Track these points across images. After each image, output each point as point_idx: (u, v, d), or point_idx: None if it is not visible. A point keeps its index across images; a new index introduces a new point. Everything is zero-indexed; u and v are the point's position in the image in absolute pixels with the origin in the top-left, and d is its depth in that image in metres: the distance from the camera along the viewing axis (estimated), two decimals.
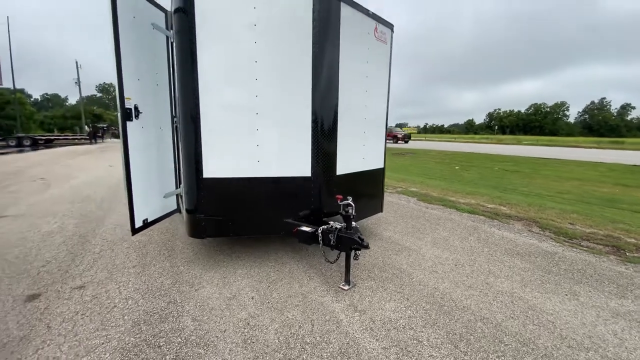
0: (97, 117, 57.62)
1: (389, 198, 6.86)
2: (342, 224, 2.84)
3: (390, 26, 3.84)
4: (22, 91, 42.06)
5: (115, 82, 2.64)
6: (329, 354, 2.02)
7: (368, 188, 3.88)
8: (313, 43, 2.89)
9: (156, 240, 4.01)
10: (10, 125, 35.65)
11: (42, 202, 6.01)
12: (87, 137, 28.30)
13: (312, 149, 3.07)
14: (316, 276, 3.09)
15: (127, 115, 2.83)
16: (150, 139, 3.25)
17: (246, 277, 3.04)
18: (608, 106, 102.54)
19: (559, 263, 3.59)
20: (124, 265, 3.28)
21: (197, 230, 3.08)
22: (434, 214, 5.66)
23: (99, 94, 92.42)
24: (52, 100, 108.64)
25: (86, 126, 38.81)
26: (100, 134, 30.97)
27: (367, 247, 2.61)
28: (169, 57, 3.39)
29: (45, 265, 3.26)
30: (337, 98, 3.14)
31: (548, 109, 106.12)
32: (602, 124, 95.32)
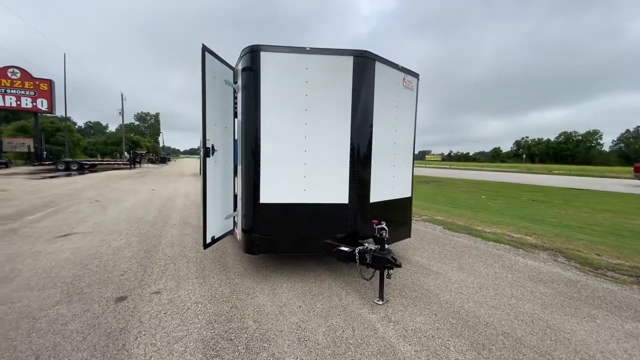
0: (135, 144, 61.82)
1: (415, 226, 7.18)
2: (377, 246, 3.29)
3: (416, 75, 4.45)
4: (69, 119, 46.43)
5: (200, 127, 3.35)
6: (369, 352, 2.43)
7: (397, 215, 4.32)
8: (352, 94, 3.52)
9: (210, 257, 4.60)
10: (58, 151, 39.20)
11: (103, 222, 6.84)
12: (127, 163, 30.57)
13: (349, 180, 3.61)
14: (353, 292, 3.52)
15: (207, 152, 3.53)
16: (219, 171, 3.92)
17: (291, 290, 3.52)
18: None
19: (580, 290, 3.80)
20: (188, 277, 3.86)
21: (252, 247, 3.63)
22: (460, 242, 5.93)
23: (136, 122, 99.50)
24: (94, 128, 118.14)
25: (125, 152, 41.86)
26: (138, 160, 33.35)
27: (399, 266, 3.05)
28: (234, 105, 4.13)
29: (124, 274, 3.90)
30: (371, 137, 3.70)
31: (580, 137, 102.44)
32: (639, 152, 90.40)
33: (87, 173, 24.42)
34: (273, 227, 3.58)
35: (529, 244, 6.04)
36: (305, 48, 3.45)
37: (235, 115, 4.14)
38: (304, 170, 3.56)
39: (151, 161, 41.41)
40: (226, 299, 3.28)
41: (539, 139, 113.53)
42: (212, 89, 3.48)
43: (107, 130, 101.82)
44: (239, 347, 2.46)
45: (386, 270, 3.20)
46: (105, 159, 36.61)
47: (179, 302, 3.20)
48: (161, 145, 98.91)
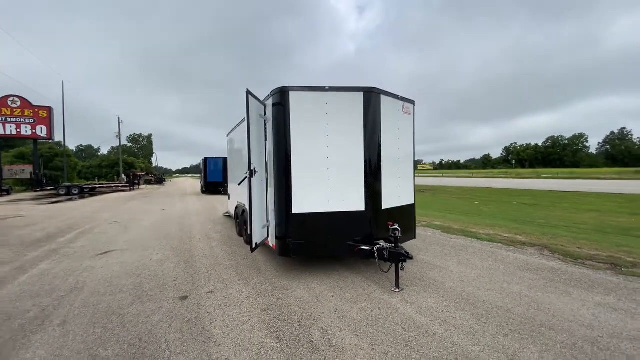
0: (130, 166, 62.03)
1: (417, 230, 7.94)
2: (391, 244, 4.05)
3: (412, 102, 5.33)
4: (59, 144, 46.80)
5: (245, 152, 4.15)
6: (395, 322, 3.16)
7: (404, 219, 5.09)
8: (364, 121, 4.35)
9: (244, 264, 5.29)
10: (56, 176, 39.46)
11: (132, 240, 7.47)
12: (127, 185, 31.00)
13: (365, 191, 4.40)
14: (373, 284, 4.24)
15: (251, 174, 4.30)
16: (258, 188, 4.67)
17: (322, 285, 4.23)
18: (630, 136, 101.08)
19: (560, 275, 4.58)
20: (231, 279, 4.55)
21: (286, 250, 4.36)
22: (457, 243, 6.71)
23: (129, 144, 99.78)
24: (86, 151, 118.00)
25: (123, 174, 42.21)
26: (137, 181, 33.79)
27: (411, 258, 3.80)
28: (265, 133, 4.90)
29: (176, 280, 4.57)
30: (380, 154, 4.51)
31: (566, 141, 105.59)
32: (625, 153, 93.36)
33: (87, 197, 24.76)
34: (304, 233, 4.32)
35: (518, 241, 6.83)
36: (324, 87, 4.30)
37: (265, 140, 4.91)
38: (327, 184, 4.34)
39: (148, 182, 41.72)
40: (270, 294, 3.98)
41: (527, 144, 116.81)
42: (252, 121, 4.27)
43: (100, 153, 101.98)
44: (294, 324, 3.17)
45: (400, 263, 3.95)
46: (104, 182, 36.94)
47: (232, 297, 3.89)
48: (154, 165, 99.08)
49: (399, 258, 3.89)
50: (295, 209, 4.29)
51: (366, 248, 4.16)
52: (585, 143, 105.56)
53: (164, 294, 4.07)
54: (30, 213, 13.41)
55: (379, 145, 4.50)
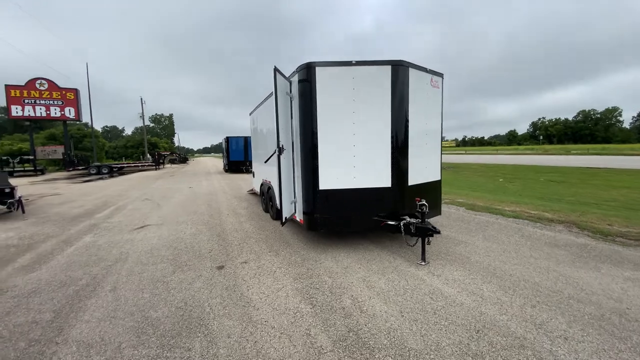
0: (153, 145, 63.90)
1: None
2: (417, 219, 4.12)
3: (441, 75, 5.19)
4: (86, 125, 48.61)
5: (274, 130, 4.24)
6: (422, 293, 3.29)
7: (430, 195, 5.10)
8: (392, 96, 4.31)
9: (272, 237, 5.53)
10: (86, 155, 41.40)
11: (165, 215, 7.89)
12: (152, 164, 32.16)
13: (391, 167, 4.43)
14: (398, 257, 4.37)
15: (280, 151, 4.42)
16: (285, 165, 4.81)
17: (348, 257, 4.40)
18: None
19: (590, 251, 4.53)
20: (262, 251, 4.79)
21: (314, 225, 4.52)
22: (482, 219, 6.68)
23: (151, 124, 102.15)
24: (111, 132, 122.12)
25: (148, 154, 43.64)
26: (162, 161, 34.96)
27: (439, 232, 3.87)
28: (291, 111, 4.95)
29: (211, 252, 4.86)
30: (407, 130, 4.49)
31: (598, 116, 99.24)
32: None
33: (116, 176, 25.93)
34: (331, 209, 4.45)
35: (546, 218, 6.71)
36: (351, 61, 4.25)
37: (291, 118, 4.98)
38: (354, 161, 4.39)
39: (172, 162, 43.02)
40: (300, 264, 4.19)
41: (556, 119, 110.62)
42: (279, 100, 4.33)
43: (124, 134, 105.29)
44: (325, 292, 3.36)
45: (427, 237, 4.03)
46: (131, 162, 38.42)
47: (265, 267, 4.13)
48: (176, 145, 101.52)
49: (425, 232, 3.96)
50: (322, 186, 4.39)
51: (393, 223, 4.25)
52: (619, 117, 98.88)
53: (201, 263, 4.36)
54: (66, 191, 14.28)
55: (407, 121, 4.47)
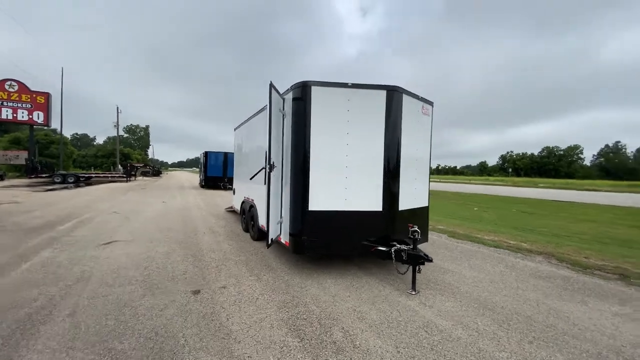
0: (125, 156, 61.36)
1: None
2: (409, 246, 4.00)
3: (431, 103, 5.28)
4: (54, 131, 45.96)
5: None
6: (416, 326, 3.10)
7: (418, 221, 5.02)
8: (385, 120, 4.29)
9: (254, 260, 5.20)
10: (50, 163, 38.91)
11: (136, 231, 7.33)
12: (124, 175, 30.64)
13: (383, 191, 4.34)
14: (388, 285, 4.19)
15: (270, 168, 4.22)
16: (275, 183, 4.59)
17: (336, 285, 4.16)
18: (623, 149, 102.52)
19: (573, 284, 4.56)
20: (242, 275, 4.46)
21: (300, 248, 4.28)
22: (465, 248, 6.68)
23: (125, 135, 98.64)
24: (81, 140, 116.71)
25: (119, 165, 41.75)
26: (133, 173, 33.40)
27: (431, 260, 3.75)
28: (282, 128, 4.80)
29: (185, 274, 4.46)
30: (399, 155, 4.45)
31: (562, 152, 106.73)
32: (619, 166, 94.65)
33: (83, 186, 24.41)
34: (319, 231, 4.25)
35: (525, 249, 6.81)
36: (347, 83, 4.23)
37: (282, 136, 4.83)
38: (346, 182, 4.27)
39: (144, 174, 41.26)
40: (284, 291, 3.90)
41: (523, 153, 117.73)
42: (273, 117, 4.19)
43: (95, 143, 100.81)
44: (314, 323, 3.10)
45: (418, 265, 3.89)
46: (100, 172, 36.48)
47: (246, 293, 3.81)
48: (150, 157, 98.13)
49: (417, 260, 3.84)
50: (312, 207, 4.21)
51: (384, 249, 4.10)
52: (580, 155, 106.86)
53: (175, 287, 3.97)
54: (26, 200, 13.16)
55: (399, 145, 4.44)
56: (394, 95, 4.33)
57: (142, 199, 14.78)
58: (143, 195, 16.75)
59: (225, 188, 22.49)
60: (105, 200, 13.89)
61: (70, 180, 27.01)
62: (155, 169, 43.38)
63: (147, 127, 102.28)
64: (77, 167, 53.89)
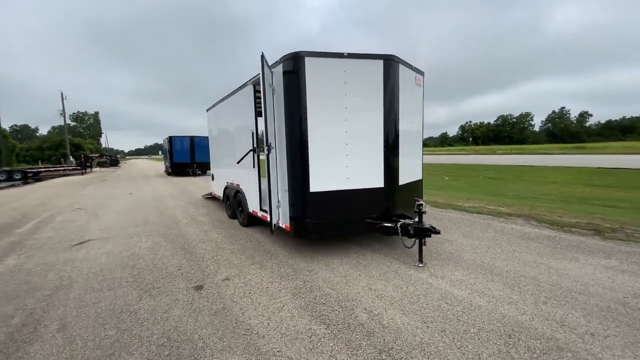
0: (76, 147, 56.30)
1: None
2: (414, 220, 3.97)
3: (422, 73, 5.16)
4: None
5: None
6: (436, 298, 3.11)
7: (415, 194, 5.04)
8: (384, 93, 4.11)
9: (250, 247, 4.96)
10: None
11: (108, 227, 6.72)
12: (79, 167, 28.12)
13: (384, 167, 4.22)
14: (394, 261, 4.17)
15: (269, 149, 3.90)
16: (272, 166, 4.31)
17: (342, 264, 4.08)
18: (568, 115, 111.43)
19: (559, 242, 4.84)
20: (243, 264, 4.23)
21: (303, 231, 4.11)
22: (452, 216, 6.88)
23: (73, 123, 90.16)
24: (22, 132, 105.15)
25: (71, 157, 38.27)
26: (89, 164, 30.75)
27: (439, 232, 3.75)
28: (273, 105, 4.44)
29: (180, 269, 4.15)
30: (398, 129, 4.33)
31: (515, 120, 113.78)
32: (564, 131, 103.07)
33: (32, 182, 22.17)
34: (323, 213, 4.08)
35: (504, 213, 7.15)
36: (343, 53, 3.95)
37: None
38: (346, 160, 4.09)
39: (101, 165, 38.13)
40: (293, 277, 3.75)
41: (480, 122, 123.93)
42: (268, 95, 3.84)
43: (39, 134, 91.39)
44: (334, 307, 2.99)
45: (424, 238, 3.89)
46: (49, 166, 33.15)
47: (254, 283, 3.60)
48: (104, 146, 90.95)
49: (425, 233, 3.82)
50: (313, 188, 4.01)
51: (389, 225, 4.04)
52: (530, 121, 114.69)
53: (173, 284, 3.67)
54: None
55: (397, 119, 4.30)
56: (390, 65, 4.13)
57: (106, 191, 13.67)
58: (105, 187, 15.49)
59: (194, 174, 21.45)
60: (63, 196, 12.66)
61: (17, 177, 24.38)
62: (113, 159, 40.24)
63: (97, 113, 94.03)
64: (22, 162, 48.69)
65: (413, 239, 3.96)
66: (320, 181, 4.03)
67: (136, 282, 3.78)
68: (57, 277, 4.04)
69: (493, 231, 5.59)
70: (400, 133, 4.37)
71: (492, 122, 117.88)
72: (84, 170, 28.24)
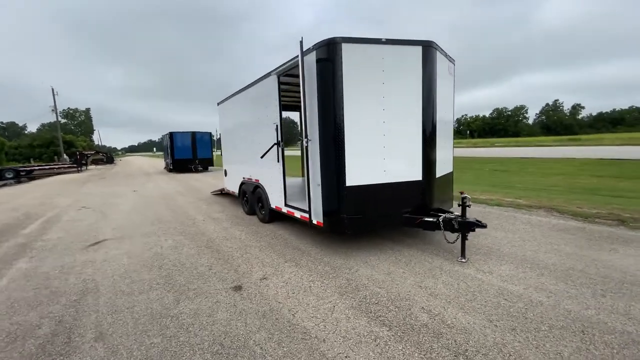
0: (68, 144, 55.18)
1: None
2: (456, 214, 3.82)
3: (454, 61, 4.98)
4: None
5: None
6: (492, 294, 2.98)
7: (448, 187, 4.90)
8: (422, 82, 3.93)
9: (278, 244, 4.79)
10: None
11: (122, 226, 6.48)
12: (74, 165, 27.51)
13: (422, 159, 4.06)
14: (434, 257, 4.03)
15: (307, 142, 3.72)
16: (312, 158, 4.13)
17: (381, 261, 3.93)
18: (561, 107, 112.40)
19: (591, 233, 4.74)
20: (276, 263, 4.05)
21: (339, 227, 3.94)
22: (476, 209, 6.74)
23: (64, 120, 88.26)
24: (9, 130, 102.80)
25: (65, 154, 37.49)
26: (84, 162, 30.08)
27: (485, 226, 3.61)
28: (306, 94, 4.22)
29: (211, 268, 3.96)
30: (435, 120, 4.16)
31: (509, 113, 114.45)
32: (557, 123, 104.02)
33: (26, 181, 21.65)
34: (360, 207, 3.92)
35: (523, 205, 7.05)
36: (381, 39, 3.75)
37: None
38: (384, 152, 3.92)
39: (96, 162, 37.33)
40: (333, 275, 3.59)
41: (476, 115, 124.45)
42: (306, 81, 3.64)
43: (27, 131, 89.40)
44: (389, 307, 2.84)
45: (467, 233, 3.75)
46: (43, 164, 32.39)
47: (294, 283, 3.44)
48: (96, 143, 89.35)
49: (469, 227, 3.68)
50: (350, 182, 3.83)
51: (431, 219, 3.88)
52: (525, 114, 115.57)
53: (209, 285, 3.48)
54: None
55: (435, 109, 4.13)
56: (429, 52, 3.95)
57: (108, 189, 13.33)
58: (106, 185, 15.13)
59: (196, 170, 21.10)
60: (63, 195, 12.31)
61: (9, 175, 23.76)
62: (109, 156, 39.48)
63: (88, 110, 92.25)
64: (11, 160, 47.55)
65: (456, 234, 3.81)
66: (356, 174, 3.85)
67: (168, 283, 3.59)
68: (79, 280, 3.83)
69: (521, 223, 5.49)
70: (437, 124, 4.21)
71: (487, 115, 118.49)
72: (79, 168, 27.66)
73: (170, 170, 21.85)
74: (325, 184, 3.98)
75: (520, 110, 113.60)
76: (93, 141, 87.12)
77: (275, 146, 5.05)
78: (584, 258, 3.80)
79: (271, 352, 2.30)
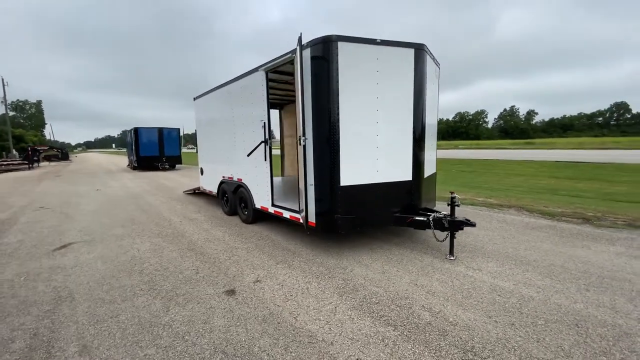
0: (18, 139, 50.35)
1: None
2: (445, 213, 3.93)
3: (439, 65, 5.12)
4: None
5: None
6: (485, 290, 3.09)
7: (431, 188, 5.03)
8: (414, 83, 4.00)
9: (265, 245, 4.66)
10: None
11: (88, 227, 6.00)
12: (26, 162, 25.11)
13: (412, 160, 4.14)
14: (424, 255, 4.12)
15: (304, 141, 3.61)
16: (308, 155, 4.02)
17: (374, 261, 3.95)
18: (517, 113, 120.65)
19: (562, 231, 5.10)
20: (267, 264, 3.93)
21: (332, 227, 3.91)
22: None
23: (12, 113, 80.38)
24: None
25: (13, 150, 34.18)
26: (37, 158, 27.54)
27: (474, 224, 3.74)
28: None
29: (198, 272, 3.76)
30: (424, 122, 4.26)
31: (471, 117, 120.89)
32: (514, 127, 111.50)
33: None
34: (353, 207, 3.91)
35: (495, 204, 7.46)
36: (375, 40, 3.76)
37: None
38: (377, 153, 3.94)
39: (48, 158, 34.30)
40: (329, 275, 3.55)
41: (440, 119, 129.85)
42: (304, 77, 3.55)
43: None
44: (390, 307, 2.85)
45: (456, 231, 3.87)
46: None
47: (290, 284, 3.35)
48: (48, 138, 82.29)
49: (459, 226, 3.80)
50: (344, 182, 3.81)
51: (422, 219, 3.96)
52: (485, 118, 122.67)
53: (199, 290, 3.30)
54: None
55: (424, 111, 4.22)
56: (420, 55, 4.03)
57: (67, 188, 12.30)
58: (64, 183, 13.96)
59: (163, 169, 20.10)
60: (16, 194, 11.17)
61: None
62: (64, 152, 36.49)
63: (39, 102, 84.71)
64: None
65: (445, 233, 3.92)
66: (350, 174, 3.84)
67: (152, 289, 3.35)
68: (49, 288, 3.47)
69: (497, 222, 5.78)
70: (426, 126, 4.31)
71: (450, 119, 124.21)
72: (31, 165, 25.31)
73: (134, 168, 20.63)
74: (318, 184, 3.93)
75: (480, 114, 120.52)
76: (44, 136, 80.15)
77: (263, 144, 4.91)
78: (561, 254, 4.07)
79: (279, 359, 2.21)
